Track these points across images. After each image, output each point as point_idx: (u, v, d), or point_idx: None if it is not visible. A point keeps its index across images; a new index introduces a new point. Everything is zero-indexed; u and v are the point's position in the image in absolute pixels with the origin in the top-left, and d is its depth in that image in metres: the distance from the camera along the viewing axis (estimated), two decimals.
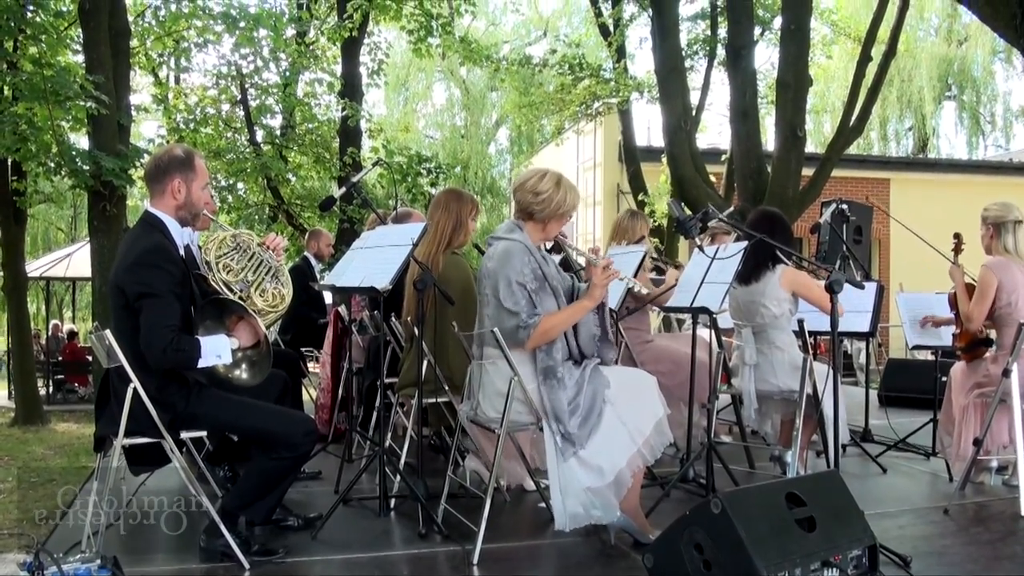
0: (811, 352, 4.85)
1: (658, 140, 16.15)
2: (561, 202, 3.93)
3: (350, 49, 14.66)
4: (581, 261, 4.28)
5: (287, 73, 13.62)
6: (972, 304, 5.05)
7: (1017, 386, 4.63)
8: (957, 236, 5.43)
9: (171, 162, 3.72)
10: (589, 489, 3.62)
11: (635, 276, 5.13)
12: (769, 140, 12.59)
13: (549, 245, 4.40)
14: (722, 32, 14.77)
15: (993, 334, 5.21)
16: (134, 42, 11.73)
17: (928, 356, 8.92)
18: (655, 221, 15.04)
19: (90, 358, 14.65)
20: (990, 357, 5.18)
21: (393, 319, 5.22)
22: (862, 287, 4.71)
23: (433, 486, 4.44)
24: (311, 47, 15.10)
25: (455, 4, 15.11)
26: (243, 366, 3.73)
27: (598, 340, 3.99)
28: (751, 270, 5.06)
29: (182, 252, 3.70)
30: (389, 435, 5.11)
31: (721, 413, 6.16)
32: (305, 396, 6.31)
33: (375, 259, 4.46)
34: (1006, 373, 4.68)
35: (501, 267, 3.78)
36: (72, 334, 19.38)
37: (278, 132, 15.54)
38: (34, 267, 16.56)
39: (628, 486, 3.72)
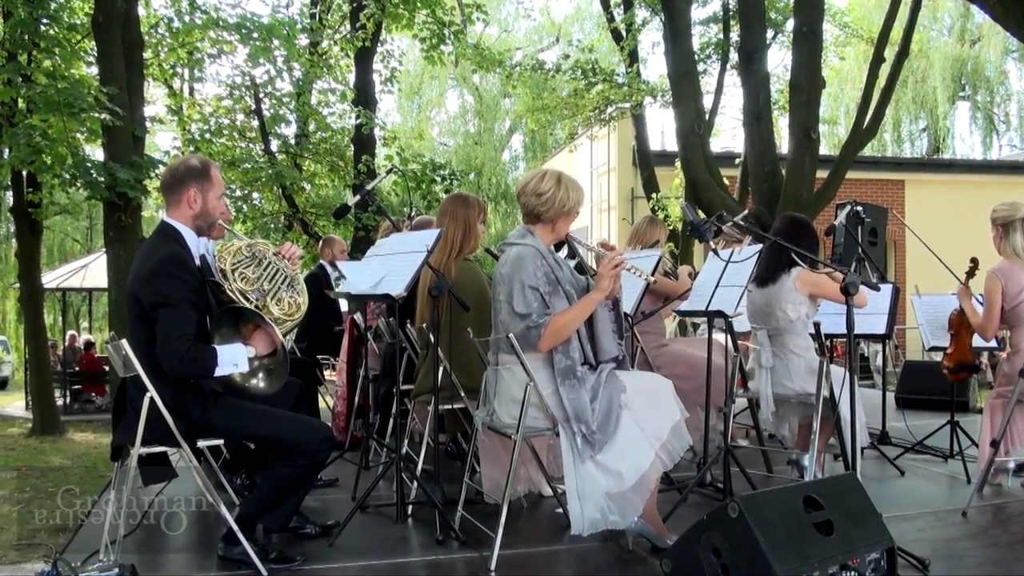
0: (828, 355, 4.83)
1: (672, 144, 16.16)
2: (565, 200, 3.89)
3: (363, 57, 14.75)
4: (592, 257, 4.25)
5: (300, 83, 13.66)
6: (983, 315, 5.04)
7: None
8: (974, 261, 5.42)
9: (187, 172, 3.74)
10: (608, 494, 3.61)
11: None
12: (783, 143, 12.55)
13: (564, 252, 4.39)
14: (734, 36, 14.78)
15: (984, 358, 5.19)
16: (148, 54, 11.81)
17: None
18: (670, 225, 15.04)
19: (107, 368, 14.72)
20: (1004, 357, 5.16)
21: (408, 326, 5.22)
22: (878, 289, 4.70)
23: (450, 492, 4.44)
24: (324, 56, 15.15)
25: (467, 12, 15.14)
26: (260, 374, 3.74)
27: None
28: (769, 272, 5.05)
29: (198, 262, 3.72)
30: (406, 442, 5.11)
31: (738, 417, 6.14)
32: (322, 404, 6.33)
33: (389, 266, 4.46)
34: (1023, 374, 4.65)
35: (514, 272, 3.76)
36: (88, 344, 19.49)
37: (292, 141, 15.58)
38: (50, 278, 16.68)
39: (652, 489, 3.71)
